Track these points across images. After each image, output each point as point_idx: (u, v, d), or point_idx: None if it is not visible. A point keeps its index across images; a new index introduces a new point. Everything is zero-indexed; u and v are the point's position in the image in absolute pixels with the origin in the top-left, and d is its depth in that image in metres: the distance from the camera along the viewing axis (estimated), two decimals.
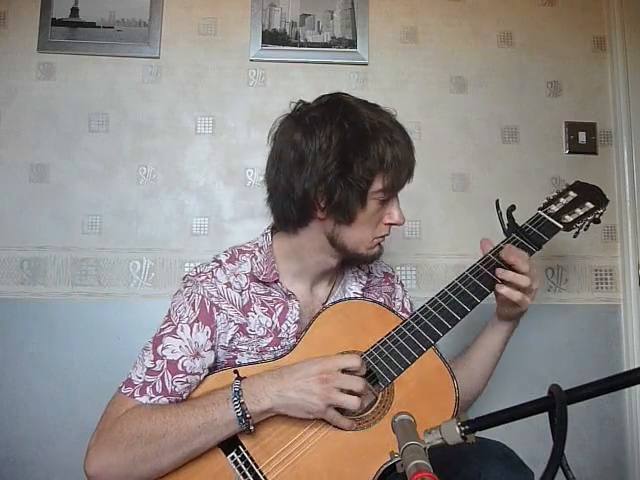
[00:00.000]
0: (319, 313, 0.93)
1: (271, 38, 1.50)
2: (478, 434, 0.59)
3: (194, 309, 0.90)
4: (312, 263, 0.97)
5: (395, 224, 0.93)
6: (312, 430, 0.83)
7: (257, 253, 0.97)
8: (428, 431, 0.60)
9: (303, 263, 0.97)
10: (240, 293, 0.93)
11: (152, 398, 0.84)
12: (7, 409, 1.35)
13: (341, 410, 0.82)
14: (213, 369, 0.91)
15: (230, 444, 0.83)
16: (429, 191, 1.49)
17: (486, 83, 1.54)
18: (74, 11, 1.47)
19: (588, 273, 1.51)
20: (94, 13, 1.48)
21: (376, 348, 0.89)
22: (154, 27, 1.48)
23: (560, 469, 0.49)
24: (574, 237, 1.05)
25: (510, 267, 0.91)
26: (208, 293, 0.91)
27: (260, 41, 1.49)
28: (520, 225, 0.99)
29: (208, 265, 0.96)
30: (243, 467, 0.82)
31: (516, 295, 0.90)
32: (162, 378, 0.85)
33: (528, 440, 1.21)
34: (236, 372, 0.87)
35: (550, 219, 1.00)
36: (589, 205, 1.02)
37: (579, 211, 1.01)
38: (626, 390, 1.45)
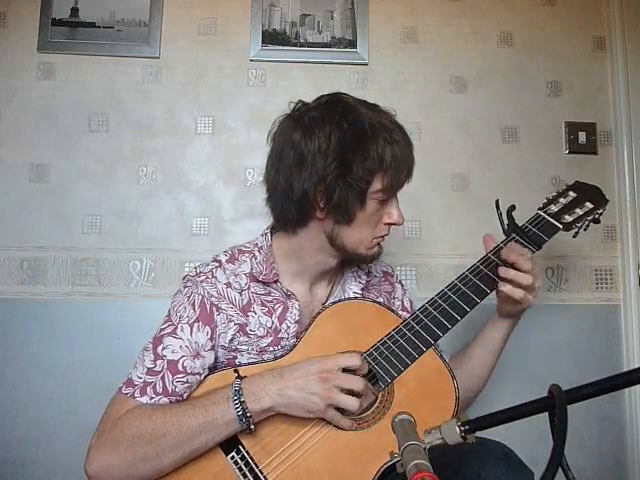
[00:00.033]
0: (319, 313, 0.93)
1: (271, 38, 1.50)
2: (478, 434, 0.59)
3: (194, 309, 0.90)
4: (311, 263, 0.97)
5: (394, 224, 0.93)
6: (312, 430, 0.83)
7: (257, 253, 0.97)
8: (428, 431, 0.60)
9: (302, 263, 0.97)
10: (240, 293, 0.93)
11: (153, 398, 0.84)
12: (7, 409, 1.35)
13: (341, 410, 0.82)
14: (213, 369, 0.91)
15: (230, 444, 0.83)
16: (429, 191, 1.49)
17: (486, 83, 1.54)
18: (74, 11, 1.47)
19: (588, 273, 1.51)
20: (94, 13, 1.48)
21: (376, 348, 0.89)
22: (154, 27, 1.48)
23: (560, 469, 0.49)
24: (574, 237, 1.05)
25: (512, 265, 0.91)
26: (208, 293, 0.91)
27: (260, 41, 1.49)
28: (520, 225, 0.99)
29: (208, 265, 0.96)
30: (243, 467, 0.82)
31: (518, 293, 0.90)
32: (162, 378, 0.85)
33: (528, 440, 1.21)
34: (236, 371, 0.87)
35: (550, 219, 1.00)
36: (589, 205, 1.02)
37: (579, 211, 1.01)
38: (626, 390, 1.45)
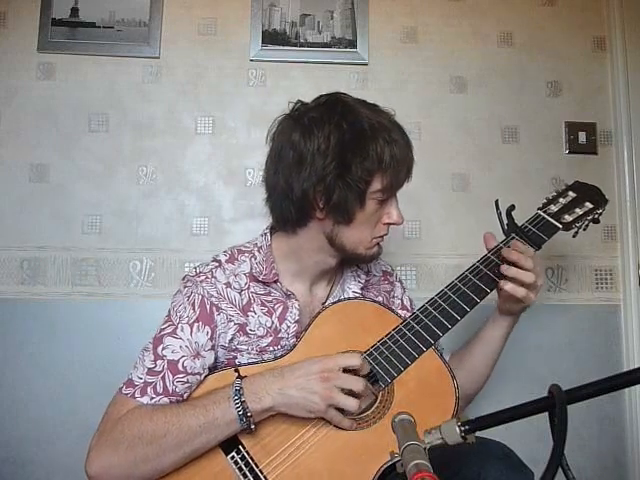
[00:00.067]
0: (319, 313, 0.93)
1: (271, 38, 1.50)
2: (478, 434, 0.59)
3: (194, 309, 0.90)
4: (311, 263, 0.97)
5: (394, 224, 0.93)
6: (312, 429, 0.83)
7: (256, 253, 0.97)
8: (428, 431, 0.60)
9: (302, 263, 0.97)
10: (240, 293, 0.93)
11: (153, 398, 0.84)
12: (7, 409, 1.35)
13: (341, 410, 0.82)
14: (213, 369, 0.91)
15: (230, 444, 0.83)
16: (429, 191, 1.49)
17: (486, 83, 1.54)
18: (74, 11, 1.47)
19: (588, 273, 1.51)
20: (94, 13, 1.48)
21: (376, 348, 0.89)
22: (154, 27, 1.48)
23: (560, 469, 0.49)
24: (573, 237, 1.05)
25: (514, 263, 0.91)
26: (208, 293, 0.91)
27: (260, 41, 1.49)
28: (520, 225, 0.99)
29: (207, 265, 0.96)
30: (243, 467, 0.82)
31: (520, 291, 0.90)
32: (163, 378, 0.85)
33: (528, 440, 1.21)
34: (237, 371, 0.87)
35: (549, 219, 1.00)
36: (588, 205, 1.02)
37: (578, 211, 1.01)
38: (626, 390, 1.45)
